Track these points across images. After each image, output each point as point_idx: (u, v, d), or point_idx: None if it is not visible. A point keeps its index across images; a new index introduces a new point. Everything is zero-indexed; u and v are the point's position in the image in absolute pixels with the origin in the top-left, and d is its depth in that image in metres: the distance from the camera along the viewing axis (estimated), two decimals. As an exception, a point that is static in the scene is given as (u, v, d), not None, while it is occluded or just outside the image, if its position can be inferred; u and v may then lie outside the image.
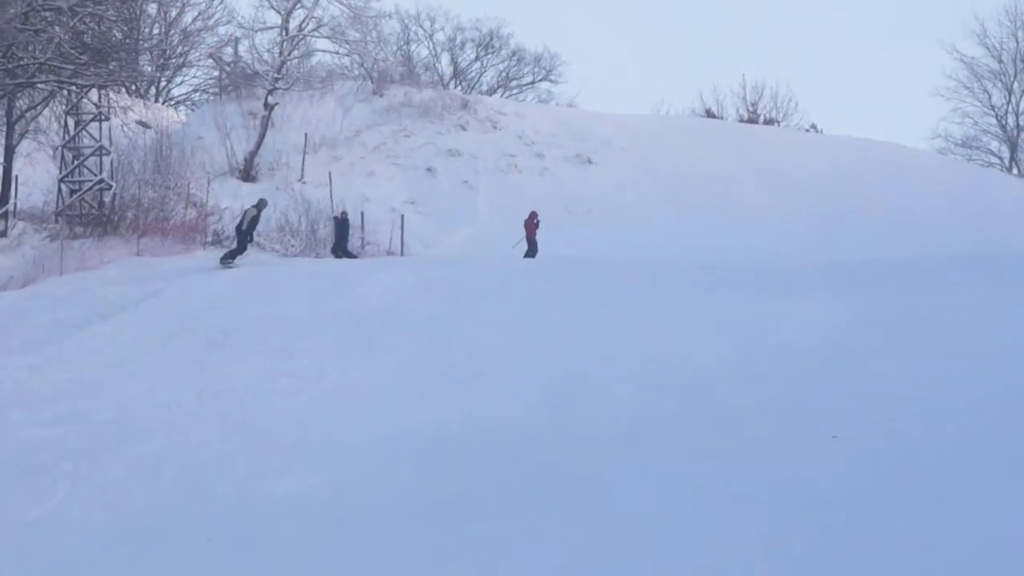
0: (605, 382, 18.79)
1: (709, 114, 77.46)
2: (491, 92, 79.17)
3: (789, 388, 17.23)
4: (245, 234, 34.07)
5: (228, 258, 33.47)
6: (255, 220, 34.63)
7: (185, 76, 69.42)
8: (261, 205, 35.56)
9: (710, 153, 59.29)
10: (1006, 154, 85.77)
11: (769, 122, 77.29)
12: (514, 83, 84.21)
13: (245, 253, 34.00)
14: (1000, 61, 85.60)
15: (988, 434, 13.25)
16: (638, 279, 27.99)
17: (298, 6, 53.86)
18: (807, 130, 76.61)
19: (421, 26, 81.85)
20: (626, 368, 19.46)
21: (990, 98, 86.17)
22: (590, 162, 57.65)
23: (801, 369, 18.37)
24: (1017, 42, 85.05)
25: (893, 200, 55.96)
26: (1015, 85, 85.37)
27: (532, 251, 39.20)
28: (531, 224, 40.05)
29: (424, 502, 13.67)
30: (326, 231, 41.80)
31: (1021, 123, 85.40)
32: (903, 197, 56.30)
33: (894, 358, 18.26)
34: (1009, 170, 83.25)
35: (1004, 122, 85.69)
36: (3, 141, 41.01)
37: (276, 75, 52.78)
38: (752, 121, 75.84)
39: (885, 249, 42.58)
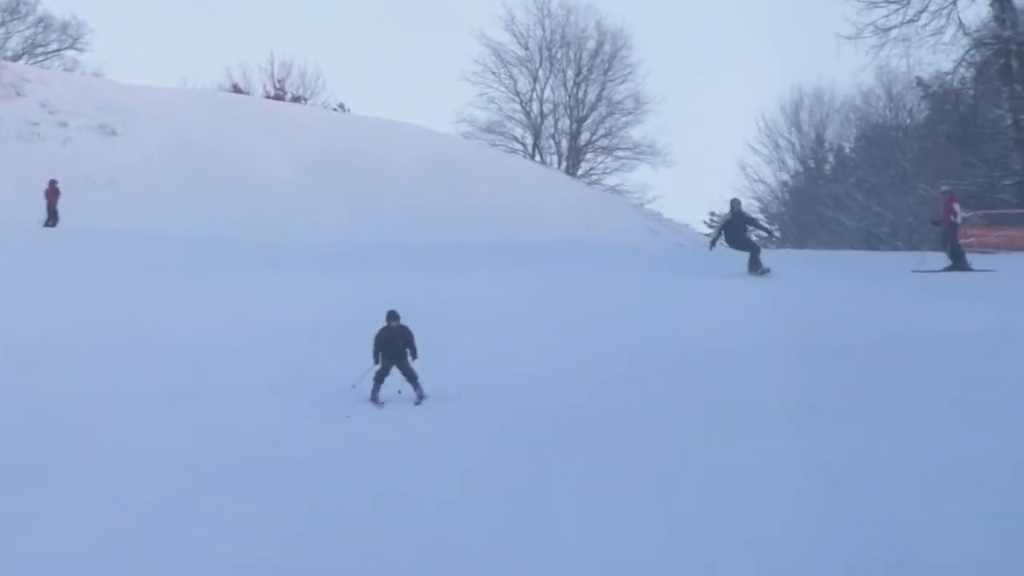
0: (104, 356, 18.43)
1: (236, 89, 77.99)
2: (16, 59, 76.85)
3: (301, 365, 17.95)
4: (746, 238, 28.29)
5: (756, 268, 27.58)
6: (732, 223, 28.50)
7: None
8: (735, 205, 29.51)
9: (237, 128, 59.92)
10: (530, 140, 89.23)
11: (297, 100, 78.51)
12: (40, 50, 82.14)
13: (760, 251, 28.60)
14: (527, 48, 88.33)
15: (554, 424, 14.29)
16: (145, 253, 28.28)
17: None
18: (335, 109, 78.16)
19: (-59, -13, 78.63)
20: (122, 343, 19.31)
21: (516, 84, 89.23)
22: (115, 133, 57.26)
23: (310, 346, 19.18)
24: (544, 30, 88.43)
25: (417, 183, 58.02)
26: (540, 72, 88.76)
27: (52, 220, 38.88)
28: (51, 193, 39.72)
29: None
30: None
31: (545, 110, 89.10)
32: (429, 181, 58.51)
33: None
34: (532, 156, 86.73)
35: (528, 109, 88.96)
36: None
37: None
38: (279, 98, 76.90)
39: (407, 232, 44.15)
